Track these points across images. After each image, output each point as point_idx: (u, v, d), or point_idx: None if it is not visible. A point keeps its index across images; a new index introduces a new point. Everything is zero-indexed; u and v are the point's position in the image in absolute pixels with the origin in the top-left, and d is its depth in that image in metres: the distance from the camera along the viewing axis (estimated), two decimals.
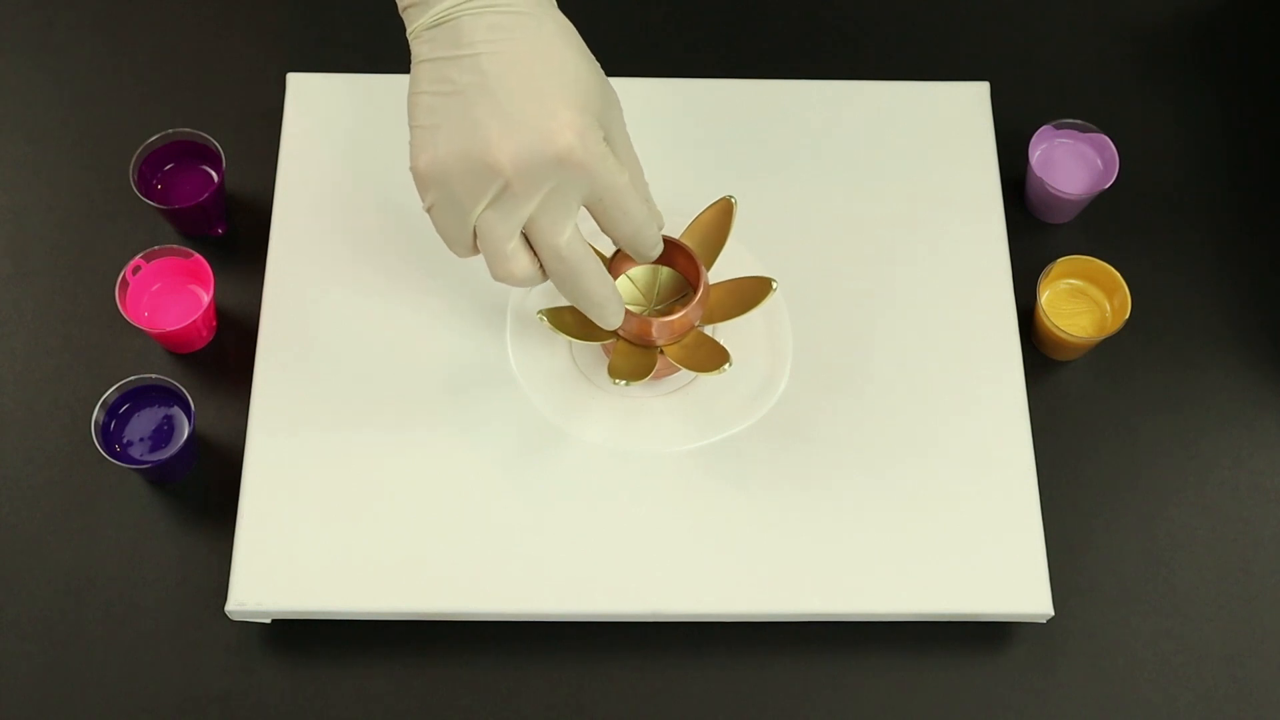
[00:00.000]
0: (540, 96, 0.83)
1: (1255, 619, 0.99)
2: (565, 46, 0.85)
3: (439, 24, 0.85)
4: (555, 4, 0.88)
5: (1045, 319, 1.02)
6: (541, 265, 0.88)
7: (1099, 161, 1.08)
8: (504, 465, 0.97)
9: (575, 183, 0.84)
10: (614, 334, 0.96)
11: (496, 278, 0.88)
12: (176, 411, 0.99)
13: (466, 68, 0.84)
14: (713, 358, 0.95)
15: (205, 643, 0.96)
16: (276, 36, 1.15)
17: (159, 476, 0.99)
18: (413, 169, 0.86)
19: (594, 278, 0.88)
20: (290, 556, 0.94)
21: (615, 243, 0.91)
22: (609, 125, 0.87)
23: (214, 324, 1.04)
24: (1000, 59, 1.15)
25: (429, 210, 0.87)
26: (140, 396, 0.99)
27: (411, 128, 0.86)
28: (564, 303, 1.01)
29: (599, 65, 0.87)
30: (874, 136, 1.07)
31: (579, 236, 0.87)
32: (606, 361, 0.98)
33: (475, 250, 0.88)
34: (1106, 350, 1.05)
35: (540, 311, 0.94)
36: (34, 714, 0.94)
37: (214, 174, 1.06)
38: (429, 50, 0.85)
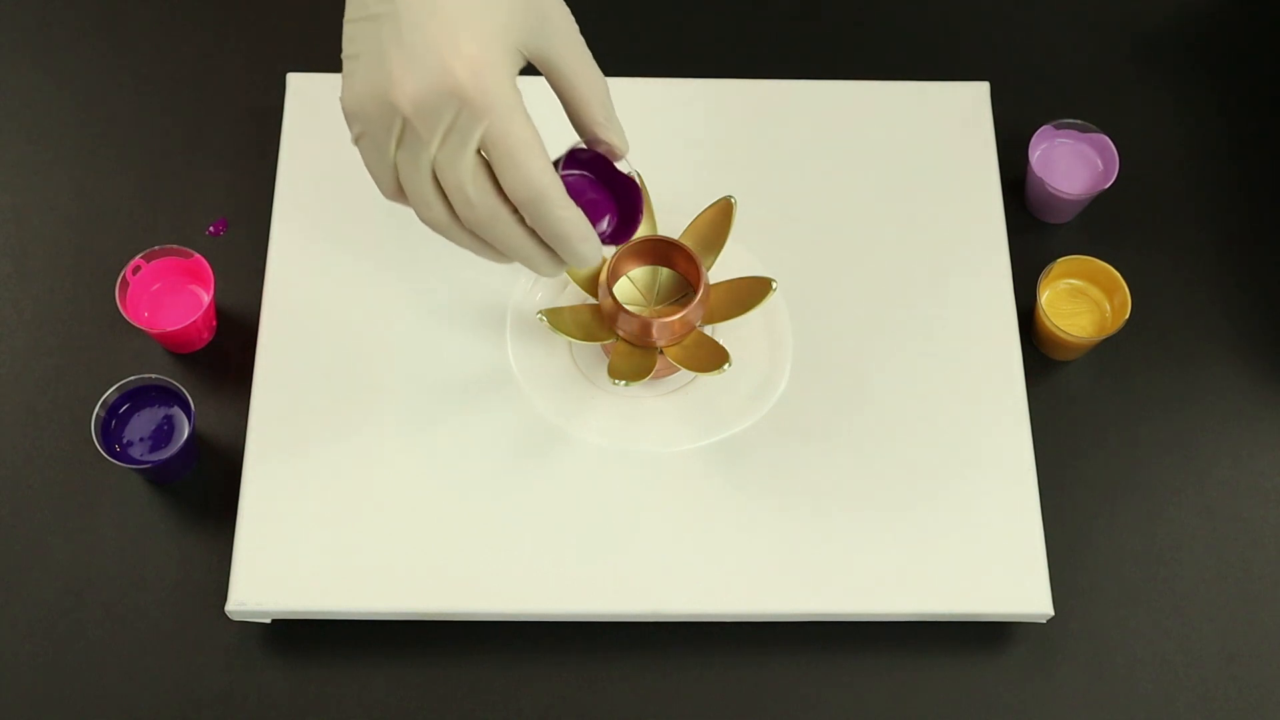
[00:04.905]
0: (445, 24, 0.75)
1: (1255, 619, 0.99)
2: None
3: None
4: None
5: (1045, 319, 1.02)
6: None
7: (1099, 161, 1.08)
8: (504, 465, 0.97)
9: (470, 122, 0.76)
10: (614, 334, 0.96)
11: (422, 220, 0.82)
12: (176, 411, 0.99)
13: None
14: (713, 358, 0.95)
15: (205, 643, 0.96)
16: (276, 36, 1.15)
17: (159, 476, 0.99)
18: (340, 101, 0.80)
19: (508, 227, 0.80)
20: (290, 556, 0.94)
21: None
22: (545, 48, 0.80)
23: (214, 324, 1.04)
24: (1000, 59, 1.15)
25: (356, 144, 0.81)
26: (140, 396, 0.99)
27: (342, 58, 0.80)
28: (564, 303, 1.01)
29: None
30: (874, 136, 1.07)
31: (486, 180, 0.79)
32: (606, 361, 0.98)
33: (401, 192, 0.82)
34: (1106, 350, 1.05)
35: (540, 312, 0.94)
36: (34, 714, 0.94)
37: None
38: None
